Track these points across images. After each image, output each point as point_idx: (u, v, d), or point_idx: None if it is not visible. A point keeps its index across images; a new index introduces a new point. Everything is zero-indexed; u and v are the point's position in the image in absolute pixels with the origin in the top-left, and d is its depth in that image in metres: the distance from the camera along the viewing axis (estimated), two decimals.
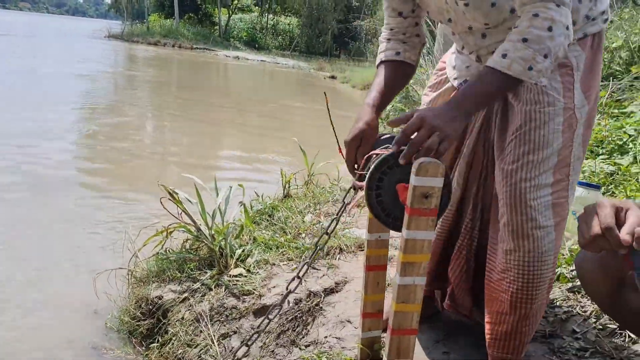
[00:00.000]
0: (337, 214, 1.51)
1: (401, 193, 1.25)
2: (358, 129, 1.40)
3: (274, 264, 2.43)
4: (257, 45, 38.59)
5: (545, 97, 1.34)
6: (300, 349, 1.83)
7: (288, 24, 41.59)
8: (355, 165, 1.43)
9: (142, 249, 2.59)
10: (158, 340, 2.28)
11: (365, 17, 44.32)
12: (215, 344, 2.05)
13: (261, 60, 27.01)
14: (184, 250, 2.58)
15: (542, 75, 1.24)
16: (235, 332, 2.08)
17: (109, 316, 2.54)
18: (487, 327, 1.51)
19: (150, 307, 2.39)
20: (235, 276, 2.34)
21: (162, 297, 2.39)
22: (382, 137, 1.45)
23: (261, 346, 1.93)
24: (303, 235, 2.74)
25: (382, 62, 1.58)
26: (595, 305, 1.68)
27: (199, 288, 2.35)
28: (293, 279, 1.65)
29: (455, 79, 1.62)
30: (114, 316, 2.53)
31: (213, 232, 2.44)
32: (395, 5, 1.57)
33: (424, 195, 1.17)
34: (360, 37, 44.26)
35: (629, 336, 1.57)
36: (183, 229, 2.56)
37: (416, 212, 1.18)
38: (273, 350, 1.89)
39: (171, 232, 2.59)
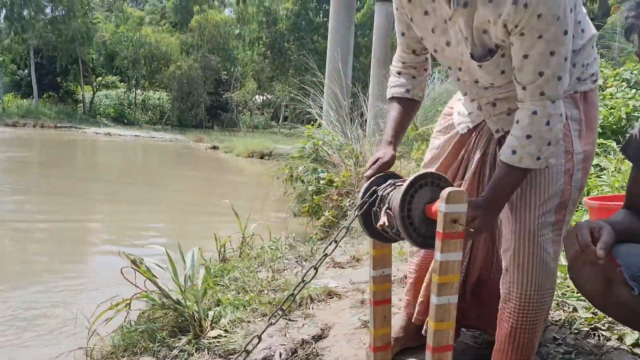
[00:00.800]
0: (334, 239, 1.64)
1: (429, 211, 1.44)
2: (380, 163, 1.59)
3: (249, 322, 2.47)
4: (125, 121, 37.68)
5: None
6: None
7: (158, 99, 41.23)
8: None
9: (97, 326, 2.49)
10: None
11: (235, 90, 45.36)
12: None
13: (135, 135, 26.36)
14: (149, 319, 2.52)
15: (549, 158, 1.47)
16: None
17: None
18: (494, 348, 1.68)
19: None
20: (215, 337, 2.35)
21: None
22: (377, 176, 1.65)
23: None
24: (265, 291, 2.80)
25: (393, 97, 1.76)
26: (568, 312, 1.97)
27: (178, 354, 2.31)
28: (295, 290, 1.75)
29: (459, 124, 1.80)
30: None
31: (185, 297, 2.43)
32: (410, 43, 1.73)
33: (452, 220, 1.37)
34: (231, 108, 45.00)
35: (603, 335, 1.86)
36: (145, 299, 2.52)
37: (447, 236, 1.38)
38: None
39: (129, 304, 2.54)
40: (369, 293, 1.75)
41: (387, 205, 1.52)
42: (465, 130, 1.78)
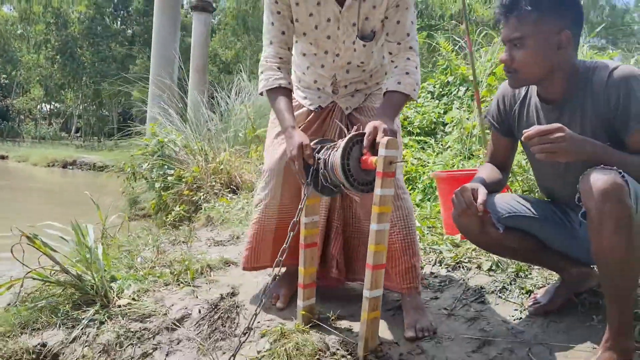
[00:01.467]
0: (301, 204, 1.92)
1: (364, 163, 1.79)
2: (298, 143, 1.88)
3: (154, 291, 2.55)
4: None
5: None
6: (239, 337, 2.10)
7: None
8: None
9: None
10: None
11: (17, 96, 40.81)
12: None
13: None
14: (49, 296, 2.45)
15: (416, 95, 2.02)
16: (155, 348, 2.17)
17: None
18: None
19: (34, 356, 2.21)
20: (125, 306, 2.39)
21: (46, 343, 2.25)
22: (315, 141, 1.97)
23: (199, 350, 2.10)
24: (156, 267, 2.88)
25: (280, 87, 2.08)
26: (438, 254, 2.49)
27: (88, 324, 2.30)
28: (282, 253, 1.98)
29: (310, 104, 2.25)
30: None
31: (91, 270, 2.43)
32: (289, 41, 2.13)
33: (389, 162, 1.74)
34: (12, 116, 40.38)
35: (465, 267, 2.41)
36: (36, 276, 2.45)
37: (385, 175, 1.74)
38: (215, 346, 2.10)
39: (22, 283, 2.44)
40: (301, 238, 2.04)
41: (329, 165, 1.83)
42: (316, 108, 2.23)
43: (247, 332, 1.80)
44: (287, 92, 2.08)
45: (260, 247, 2.31)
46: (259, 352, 1.94)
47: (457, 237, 2.70)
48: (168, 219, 4.99)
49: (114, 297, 2.44)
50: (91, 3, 38.30)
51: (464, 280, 2.34)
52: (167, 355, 2.15)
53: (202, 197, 4.86)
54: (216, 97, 7.05)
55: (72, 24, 38.20)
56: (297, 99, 2.27)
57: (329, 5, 2.02)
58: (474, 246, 2.52)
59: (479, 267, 2.41)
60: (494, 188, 1.94)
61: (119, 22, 41.69)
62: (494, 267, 2.35)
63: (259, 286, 2.50)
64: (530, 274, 2.27)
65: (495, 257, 2.38)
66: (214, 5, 12.54)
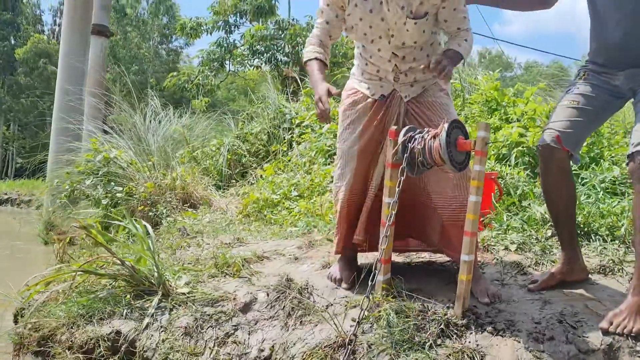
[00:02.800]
0: (398, 185, 2.14)
1: (461, 145, 2.08)
2: (326, 87, 2.21)
3: (205, 281, 2.57)
4: None
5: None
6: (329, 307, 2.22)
7: None
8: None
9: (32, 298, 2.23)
10: None
11: None
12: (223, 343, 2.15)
13: None
14: (107, 287, 2.36)
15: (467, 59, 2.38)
16: (236, 329, 2.22)
17: None
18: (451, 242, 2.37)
19: (108, 345, 2.13)
20: (187, 294, 2.39)
21: (120, 331, 2.18)
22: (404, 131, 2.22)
23: (283, 327, 2.19)
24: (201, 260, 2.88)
25: (317, 58, 2.38)
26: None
27: (156, 312, 2.27)
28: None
29: (373, 94, 2.47)
30: None
31: (154, 264, 2.40)
32: (332, 30, 2.42)
33: (485, 143, 2.05)
34: None
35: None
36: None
37: (481, 153, 2.04)
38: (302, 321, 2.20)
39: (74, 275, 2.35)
40: (383, 217, 2.24)
41: (427, 147, 2.09)
42: (380, 97, 2.47)
43: (369, 296, 1.96)
44: (321, 63, 2.39)
45: (349, 232, 2.48)
46: (359, 318, 2.08)
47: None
48: (119, 235, 4.80)
49: (171, 287, 2.43)
50: None
51: (497, 259, 2.67)
52: (249, 334, 2.21)
53: (162, 212, 4.76)
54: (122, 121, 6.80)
55: None
56: (362, 91, 2.48)
57: None
58: (494, 233, 2.89)
59: (506, 248, 2.77)
60: None
61: None
62: (520, 247, 2.73)
63: (310, 273, 2.63)
64: (552, 251, 2.68)
65: (519, 239, 2.76)
66: (111, 30, 12.18)
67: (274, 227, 3.95)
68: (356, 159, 2.40)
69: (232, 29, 12.36)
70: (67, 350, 2.14)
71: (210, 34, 12.62)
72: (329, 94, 2.21)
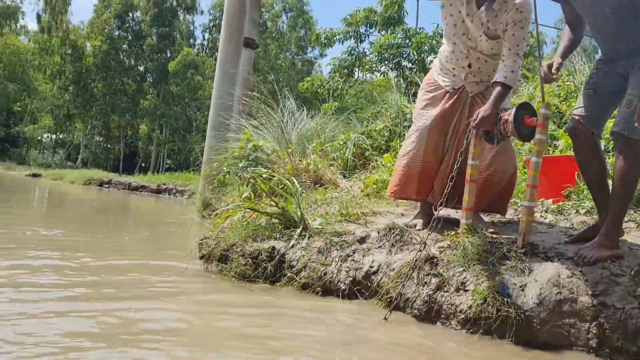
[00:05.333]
0: (464, 148, 2.88)
1: (527, 122, 2.76)
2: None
3: (332, 223, 3.46)
4: None
5: None
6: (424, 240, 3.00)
7: None
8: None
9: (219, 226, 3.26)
10: (286, 274, 3.04)
11: (28, 124, 41.75)
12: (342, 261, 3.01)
13: None
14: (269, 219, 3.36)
15: (517, 85, 3.00)
16: (354, 252, 3.07)
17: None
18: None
19: (267, 254, 3.11)
20: (319, 228, 3.30)
21: (275, 247, 3.15)
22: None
23: (388, 252, 3.01)
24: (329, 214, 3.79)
25: None
26: None
27: (299, 237, 3.21)
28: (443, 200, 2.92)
29: (446, 85, 3.21)
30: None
31: (298, 207, 3.35)
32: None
33: (545, 117, 2.71)
34: (20, 143, 41.17)
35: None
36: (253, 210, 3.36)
37: (542, 125, 2.71)
38: (402, 248, 3.00)
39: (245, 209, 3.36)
40: (467, 174, 2.97)
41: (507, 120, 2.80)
42: (451, 89, 3.19)
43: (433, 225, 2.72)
44: None
45: (407, 185, 3.23)
46: (441, 247, 2.84)
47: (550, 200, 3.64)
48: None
49: (309, 224, 3.35)
50: (106, 38, 39.91)
51: (567, 219, 3.27)
52: (363, 256, 3.05)
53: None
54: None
55: (87, 57, 39.56)
56: (438, 82, 3.24)
57: (469, 8, 3.00)
58: (571, 203, 3.47)
59: (577, 211, 3.34)
60: (570, 48, 2.86)
61: (132, 58, 43.16)
62: (588, 212, 3.29)
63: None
64: None
65: (588, 205, 3.32)
66: (257, 43, 13.76)
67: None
68: (428, 134, 3.14)
69: (363, 38, 13.39)
70: (240, 257, 3.14)
71: (342, 43, 13.73)
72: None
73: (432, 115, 3.15)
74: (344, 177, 7.04)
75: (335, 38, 13.54)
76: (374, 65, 13.25)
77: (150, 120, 40.11)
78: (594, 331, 2.32)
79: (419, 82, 9.26)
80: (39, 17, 40.30)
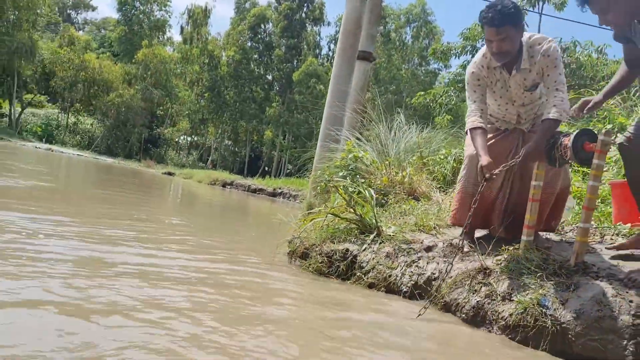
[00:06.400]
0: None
1: (587, 147, 2.91)
2: (487, 160, 3.00)
3: (405, 232, 3.78)
4: (53, 141, 36.93)
5: None
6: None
7: (91, 124, 40.74)
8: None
9: (304, 227, 3.72)
10: (356, 274, 3.43)
11: (168, 127, 45.69)
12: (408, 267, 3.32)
13: (78, 154, 26.22)
14: (348, 225, 3.78)
15: (564, 116, 3.05)
16: (419, 258, 3.38)
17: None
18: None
19: (341, 255, 3.52)
20: (392, 235, 3.64)
21: (349, 249, 3.55)
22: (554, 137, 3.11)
23: (444, 261, 3.28)
24: (407, 223, 4.12)
25: (479, 127, 3.19)
26: None
27: (371, 242, 3.58)
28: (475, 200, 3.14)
29: (500, 126, 3.43)
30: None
31: (374, 214, 3.73)
32: (483, 99, 3.27)
33: (605, 144, 2.85)
34: (161, 144, 45.10)
35: None
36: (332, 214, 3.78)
37: (601, 152, 2.85)
38: (461, 259, 3.26)
39: (326, 214, 3.79)
40: (530, 194, 3.16)
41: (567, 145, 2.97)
42: (505, 130, 3.41)
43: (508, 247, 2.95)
44: (483, 130, 3.20)
45: (462, 209, 3.44)
46: (498, 260, 3.06)
47: (627, 226, 3.66)
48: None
49: (383, 231, 3.71)
50: (239, 48, 42.75)
51: None
52: (427, 263, 3.35)
53: (390, 200, 6.10)
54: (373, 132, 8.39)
55: (221, 66, 42.60)
56: (493, 123, 3.47)
57: (502, 75, 3.21)
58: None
59: None
60: (618, 88, 2.96)
61: (261, 67, 45.73)
62: None
63: (478, 236, 3.64)
64: None
65: None
66: (374, 56, 14.23)
67: None
68: (475, 162, 3.34)
69: None
70: (318, 255, 3.58)
71: (458, 57, 13.78)
72: (486, 168, 2.97)
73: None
74: (442, 191, 7.25)
75: (451, 52, 13.62)
76: None
77: (275, 127, 42.19)
78: (631, 349, 2.45)
79: None
80: (182, 29, 44.23)
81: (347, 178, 6.91)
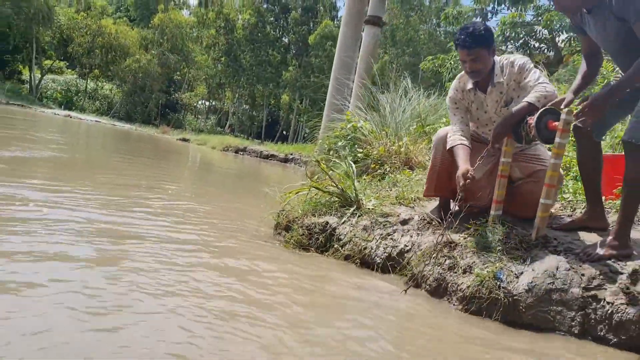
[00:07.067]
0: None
1: (550, 126, 3.00)
2: (465, 168, 3.11)
3: (385, 205, 3.93)
4: (73, 108, 37.45)
5: None
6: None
7: (110, 90, 41.13)
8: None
9: (287, 201, 3.89)
10: (333, 246, 3.61)
11: (186, 92, 45.86)
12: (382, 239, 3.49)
13: (96, 121, 26.66)
14: (326, 200, 3.95)
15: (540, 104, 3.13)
16: (394, 231, 3.54)
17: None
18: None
19: (321, 227, 3.70)
20: (371, 209, 3.80)
21: (328, 222, 3.72)
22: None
23: (418, 235, 3.43)
24: (390, 196, 4.26)
25: (462, 144, 3.30)
26: None
27: (351, 215, 3.74)
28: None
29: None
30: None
31: (353, 187, 3.88)
32: (464, 120, 3.40)
33: (567, 123, 2.93)
34: (179, 109, 45.37)
35: None
36: (314, 188, 3.94)
37: (564, 130, 2.94)
38: (430, 232, 3.41)
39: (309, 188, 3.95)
40: (499, 170, 3.27)
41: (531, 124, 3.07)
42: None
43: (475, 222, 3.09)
44: (463, 145, 3.32)
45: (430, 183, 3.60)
46: (466, 234, 3.20)
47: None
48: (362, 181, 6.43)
49: (363, 204, 3.86)
50: (254, 11, 42.38)
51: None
52: (401, 236, 3.51)
53: (386, 170, 6.23)
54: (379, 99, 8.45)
55: (237, 29, 42.34)
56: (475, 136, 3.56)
57: (477, 97, 3.35)
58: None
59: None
60: (584, 85, 3.03)
61: (278, 30, 45.34)
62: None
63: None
64: None
65: None
66: (383, 20, 14.09)
67: None
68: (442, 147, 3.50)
69: (489, 16, 13.14)
70: (299, 228, 3.77)
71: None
72: (463, 176, 3.09)
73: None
74: None
75: (462, 17, 13.43)
76: (498, 45, 12.98)
77: (291, 91, 42.10)
78: (579, 319, 2.60)
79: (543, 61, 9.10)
80: None
81: (346, 148, 7.04)
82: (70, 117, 26.46)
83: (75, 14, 39.44)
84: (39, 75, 39.46)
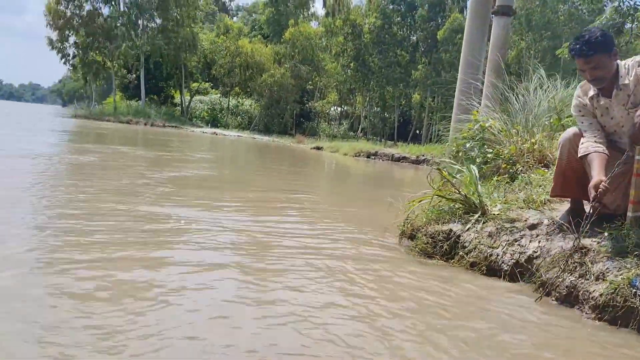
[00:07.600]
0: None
1: None
2: (599, 179, 2.93)
3: (512, 210, 3.84)
4: (218, 124, 40.45)
5: None
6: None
7: (250, 105, 43.85)
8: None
9: (411, 209, 3.96)
10: (458, 253, 3.62)
11: (318, 100, 47.27)
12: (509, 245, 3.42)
13: (238, 136, 28.63)
14: (446, 205, 3.97)
15: None
16: (522, 237, 3.46)
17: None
18: None
19: (445, 235, 3.74)
20: (497, 214, 3.74)
21: (452, 229, 3.74)
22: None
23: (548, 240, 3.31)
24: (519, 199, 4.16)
25: (596, 152, 3.11)
26: None
27: (475, 222, 3.72)
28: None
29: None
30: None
31: (477, 193, 3.85)
32: (596, 126, 3.22)
33: None
34: (312, 117, 46.86)
35: None
36: (437, 196, 3.96)
37: None
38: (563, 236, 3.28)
39: (432, 196, 3.99)
40: (634, 169, 3.07)
41: None
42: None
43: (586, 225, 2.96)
44: (597, 153, 3.12)
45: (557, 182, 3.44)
46: (599, 238, 3.05)
47: None
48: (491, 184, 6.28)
49: (488, 210, 3.82)
50: (380, 13, 42.50)
51: None
52: (529, 242, 3.42)
53: (519, 170, 6.01)
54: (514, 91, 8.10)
55: (364, 34, 42.78)
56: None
57: (601, 104, 3.18)
58: None
59: None
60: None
61: (404, 30, 45.02)
62: None
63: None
64: None
65: None
66: (514, 9, 13.46)
67: None
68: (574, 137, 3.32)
69: None
70: (423, 236, 3.82)
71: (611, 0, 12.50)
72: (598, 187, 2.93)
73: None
74: None
75: None
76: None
77: (422, 90, 41.57)
78: None
79: None
80: (324, 1, 45.13)
81: (475, 149, 6.91)
82: (216, 134, 28.68)
83: (216, 38, 42.60)
84: (189, 98, 43.22)
